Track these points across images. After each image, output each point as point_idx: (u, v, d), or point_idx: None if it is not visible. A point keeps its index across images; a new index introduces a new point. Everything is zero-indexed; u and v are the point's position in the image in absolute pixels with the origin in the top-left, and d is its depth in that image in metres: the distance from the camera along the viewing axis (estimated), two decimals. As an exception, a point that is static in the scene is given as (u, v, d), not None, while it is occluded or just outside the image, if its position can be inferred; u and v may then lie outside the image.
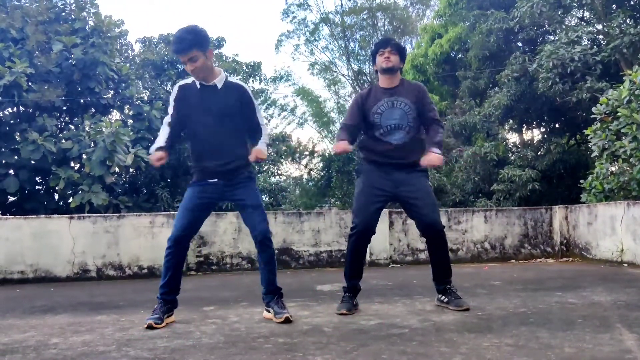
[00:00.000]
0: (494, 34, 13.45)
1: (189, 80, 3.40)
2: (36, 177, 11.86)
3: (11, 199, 11.92)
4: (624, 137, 6.87)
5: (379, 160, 3.58)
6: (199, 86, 3.33)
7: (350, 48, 28.15)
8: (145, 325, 3.12)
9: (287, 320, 3.18)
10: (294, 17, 28.12)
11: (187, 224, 3.32)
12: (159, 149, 3.30)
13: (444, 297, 3.62)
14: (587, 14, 13.33)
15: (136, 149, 11.47)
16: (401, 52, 3.66)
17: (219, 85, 3.34)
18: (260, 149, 3.38)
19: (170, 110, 3.40)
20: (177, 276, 3.35)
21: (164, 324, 3.18)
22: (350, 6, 27.49)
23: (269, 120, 26.61)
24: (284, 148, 20.95)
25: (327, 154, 21.31)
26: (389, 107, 3.56)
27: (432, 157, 3.45)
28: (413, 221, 3.66)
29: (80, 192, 10.61)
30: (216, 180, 3.34)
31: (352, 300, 3.59)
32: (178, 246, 3.30)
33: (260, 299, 3.49)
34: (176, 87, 3.41)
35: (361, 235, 3.54)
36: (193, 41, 3.20)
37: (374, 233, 3.60)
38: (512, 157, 13.36)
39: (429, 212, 3.48)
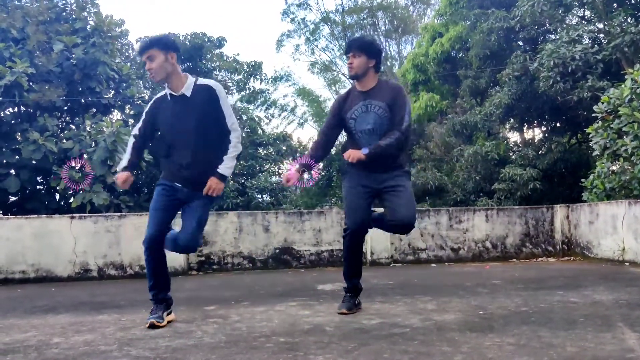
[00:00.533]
0: (495, 32, 13.43)
1: (164, 92, 3.35)
2: (37, 177, 11.86)
3: (12, 199, 11.92)
4: (625, 136, 6.85)
5: (356, 165, 3.47)
6: (169, 97, 3.30)
7: (350, 47, 28.11)
8: (147, 325, 3.13)
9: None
10: (294, 18, 28.15)
11: (159, 222, 3.32)
12: (124, 169, 3.31)
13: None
14: (587, 13, 13.31)
15: (137, 148, 11.46)
16: (367, 49, 3.48)
17: (188, 94, 3.26)
18: (216, 180, 3.23)
19: (140, 123, 3.42)
20: (164, 273, 3.37)
21: (165, 323, 3.19)
22: (351, 5, 27.49)
23: (269, 120, 26.61)
24: (284, 148, 20.95)
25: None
26: (363, 111, 3.46)
27: (351, 152, 3.32)
28: (419, 220, 3.63)
29: (81, 192, 10.61)
30: (181, 186, 3.31)
31: (353, 299, 3.58)
32: (154, 245, 3.31)
33: (262, 298, 3.51)
34: (152, 99, 3.45)
35: (354, 234, 3.51)
36: (153, 41, 3.23)
37: (366, 231, 3.59)
38: (513, 156, 13.34)
39: (406, 208, 3.41)
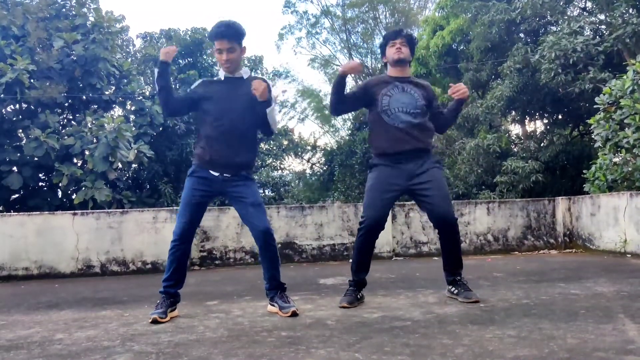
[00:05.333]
0: (496, 25, 13.37)
1: (212, 78, 3.48)
2: (39, 173, 11.90)
3: (15, 195, 11.96)
4: (627, 128, 6.83)
5: (388, 150, 3.51)
6: (223, 78, 3.39)
7: (351, 41, 28.08)
8: (150, 320, 3.13)
9: (294, 314, 3.18)
10: (295, 10, 28.09)
11: (190, 217, 3.32)
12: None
13: (453, 288, 3.61)
14: (589, 4, 13.24)
15: (138, 144, 11.49)
16: (412, 43, 3.66)
17: (245, 77, 3.40)
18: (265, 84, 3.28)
19: (189, 90, 3.47)
20: (182, 269, 3.35)
21: (167, 318, 3.19)
22: (352, -2, 27.39)
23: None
24: (285, 142, 20.95)
25: (329, 148, 21.27)
26: (399, 91, 3.55)
27: (457, 86, 3.58)
28: (420, 214, 3.67)
29: (83, 188, 10.64)
30: (218, 174, 3.33)
31: (355, 293, 3.59)
32: (183, 239, 3.31)
33: (264, 293, 3.50)
34: (199, 81, 3.49)
35: (369, 229, 3.49)
36: (238, 33, 3.30)
37: (382, 229, 3.55)
38: (515, 149, 13.32)
39: (442, 204, 3.43)
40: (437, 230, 3.62)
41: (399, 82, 3.59)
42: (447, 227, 3.50)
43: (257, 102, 3.28)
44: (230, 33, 3.26)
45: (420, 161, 3.51)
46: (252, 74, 3.52)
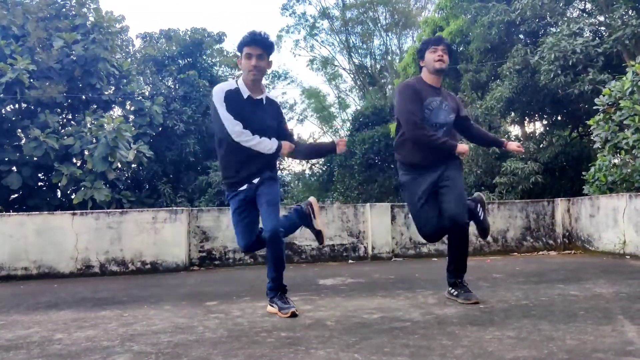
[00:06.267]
0: (496, 26, 13.38)
1: (230, 85, 3.39)
2: (39, 173, 11.90)
3: (14, 195, 11.95)
4: (626, 129, 6.84)
5: (421, 162, 3.57)
6: (245, 97, 3.36)
7: (351, 42, 28.11)
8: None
9: (293, 315, 3.19)
10: (293, 12, 28.12)
11: (247, 231, 3.46)
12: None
13: (454, 290, 3.61)
14: (588, 6, 13.25)
15: (138, 144, 11.49)
16: (451, 54, 3.68)
17: (264, 101, 3.43)
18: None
19: (228, 115, 3.28)
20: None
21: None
22: (352, 0, 27.41)
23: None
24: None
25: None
26: (437, 105, 3.57)
27: (519, 145, 3.67)
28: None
29: (82, 188, 10.64)
30: (246, 186, 3.41)
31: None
32: (253, 250, 3.57)
33: (263, 293, 3.50)
34: (221, 92, 3.33)
35: (433, 237, 3.66)
36: (271, 45, 3.37)
37: (445, 232, 3.57)
38: (514, 150, 13.30)
39: (454, 204, 3.45)
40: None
41: (437, 94, 3.60)
42: (456, 229, 3.48)
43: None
44: (265, 42, 3.32)
45: (445, 160, 3.57)
46: (268, 95, 3.51)
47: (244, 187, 3.41)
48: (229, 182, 3.45)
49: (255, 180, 3.40)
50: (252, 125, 3.31)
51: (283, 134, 3.51)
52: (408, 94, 3.56)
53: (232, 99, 3.32)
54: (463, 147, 3.52)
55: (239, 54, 3.44)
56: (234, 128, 3.27)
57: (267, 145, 3.33)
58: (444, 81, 17.54)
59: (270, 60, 3.39)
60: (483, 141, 3.96)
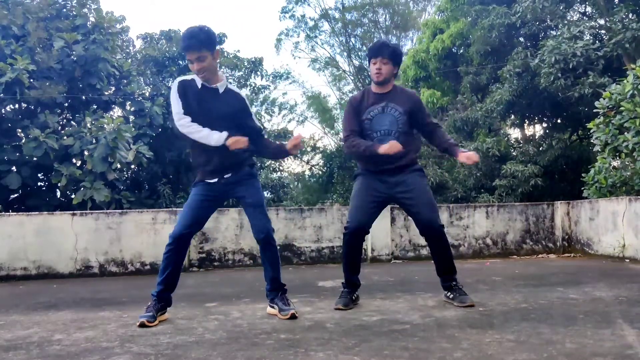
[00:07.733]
0: (496, 29, 13.40)
1: (188, 77, 3.34)
2: (38, 173, 11.87)
3: (13, 195, 11.94)
4: (626, 132, 6.84)
5: (371, 168, 3.57)
6: (199, 86, 3.29)
7: (351, 44, 28.13)
8: (138, 324, 3.08)
9: (293, 317, 3.18)
10: (293, 15, 28.14)
11: (190, 221, 3.29)
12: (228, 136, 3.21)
13: (449, 293, 3.63)
14: (589, 9, 13.28)
15: (138, 145, 11.48)
16: (396, 58, 3.54)
17: (221, 90, 3.32)
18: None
19: (178, 107, 3.25)
20: (176, 273, 3.30)
21: (156, 322, 3.14)
22: (351, 2, 27.43)
23: (270, 117, 26.69)
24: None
25: (328, 150, 21.28)
26: (379, 112, 3.53)
27: (471, 155, 3.46)
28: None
29: (82, 188, 10.62)
30: (216, 180, 3.33)
31: (350, 295, 3.60)
32: (179, 243, 3.27)
33: (263, 294, 3.50)
34: (176, 83, 3.31)
35: (352, 234, 3.55)
36: (204, 40, 3.18)
37: (367, 232, 3.61)
38: (514, 153, 13.34)
39: (426, 211, 3.48)
40: (424, 238, 3.69)
41: (380, 100, 3.53)
42: (432, 234, 3.55)
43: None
44: (195, 43, 3.16)
45: (402, 171, 3.54)
46: (230, 86, 3.40)
47: (214, 179, 3.33)
48: (200, 171, 3.37)
49: (227, 176, 3.33)
50: (206, 113, 3.25)
51: (248, 129, 3.36)
52: (346, 110, 3.67)
53: (186, 88, 3.28)
54: (384, 146, 3.34)
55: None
56: (180, 121, 3.25)
57: (214, 137, 3.20)
58: (444, 83, 17.60)
59: (215, 50, 3.24)
60: (441, 148, 3.72)
